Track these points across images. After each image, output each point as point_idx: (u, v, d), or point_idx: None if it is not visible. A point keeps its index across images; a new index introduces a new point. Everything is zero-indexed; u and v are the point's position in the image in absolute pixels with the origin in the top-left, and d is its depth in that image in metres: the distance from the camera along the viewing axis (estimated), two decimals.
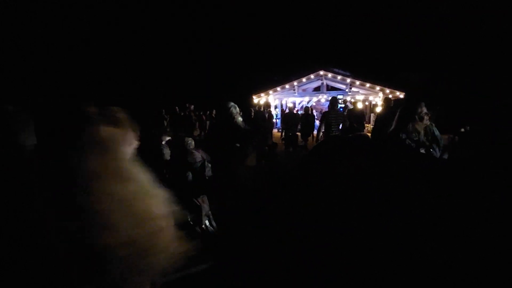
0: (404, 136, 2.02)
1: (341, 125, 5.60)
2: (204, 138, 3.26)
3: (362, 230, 2.10)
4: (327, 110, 6.41)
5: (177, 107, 10.78)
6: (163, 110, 9.53)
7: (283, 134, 9.01)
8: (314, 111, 11.92)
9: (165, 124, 9.30)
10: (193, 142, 3.02)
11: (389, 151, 2.10)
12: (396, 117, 2.12)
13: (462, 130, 8.15)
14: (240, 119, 2.68)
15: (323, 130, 5.49)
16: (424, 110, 2.03)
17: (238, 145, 2.64)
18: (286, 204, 3.13)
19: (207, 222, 1.98)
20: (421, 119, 2.03)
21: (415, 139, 2.02)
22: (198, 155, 3.13)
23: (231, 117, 2.54)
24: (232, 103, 2.54)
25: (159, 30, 34.63)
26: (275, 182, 4.52)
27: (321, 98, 13.44)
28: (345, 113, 6.90)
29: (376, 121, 5.56)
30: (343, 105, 10.25)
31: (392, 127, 2.15)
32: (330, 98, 6.15)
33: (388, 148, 2.14)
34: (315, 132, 7.48)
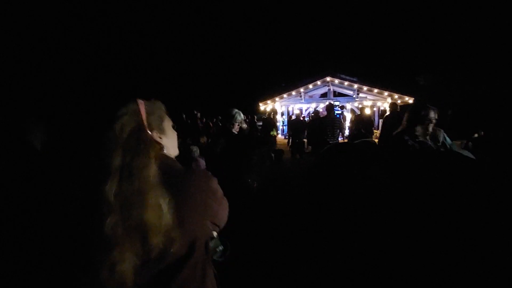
0: (407, 137, 2.02)
1: (343, 132, 5.56)
2: (209, 146, 3.23)
3: (376, 233, 2.04)
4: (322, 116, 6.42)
5: (184, 115, 10.87)
6: None
7: (290, 141, 8.95)
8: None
9: None
10: (198, 150, 3.00)
11: (392, 154, 2.08)
12: (404, 119, 2.13)
13: (476, 135, 7.92)
14: (245, 126, 2.65)
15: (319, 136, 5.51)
16: (431, 114, 2.01)
17: (244, 153, 2.60)
18: (296, 214, 3.07)
19: (214, 234, 1.91)
20: (428, 122, 2.02)
21: (417, 140, 2.02)
22: (203, 163, 3.10)
23: (236, 124, 2.51)
24: (236, 110, 2.51)
25: (165, 36, 35.41)
26: (284, 190, 4.44)
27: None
28: (352, 119, 6.84)
29: (382, 126, 5.53)
30: (339, 112, 10.34)
31: (398, 129, 2.16)
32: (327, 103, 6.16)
33: (391, 151, 2.12)
34: None
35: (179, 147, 0.97)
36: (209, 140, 10.44)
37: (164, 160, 0.77)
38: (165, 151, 0.84)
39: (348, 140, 5.94)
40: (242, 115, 2.55)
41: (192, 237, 0.73)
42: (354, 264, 2.05)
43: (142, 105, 0.80)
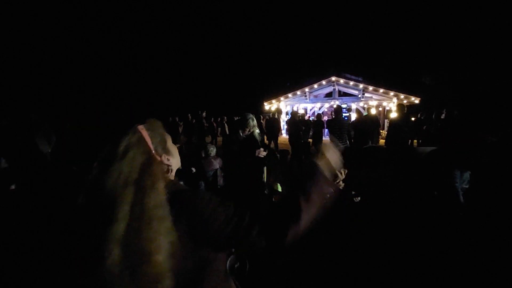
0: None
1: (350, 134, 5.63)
2: (223, 148, 3.29)
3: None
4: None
5: (189, 114, 10.98)
6: (177, 118, 9.69)
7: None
8: (325, 117, 11.85)
9: (180, 131, 9.46)
10: (215, 150, 3.06)
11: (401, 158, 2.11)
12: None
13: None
14: (257, 131, 2.70)
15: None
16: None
17: (251, 154, 2.65)
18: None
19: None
20: None
21: None
22: (216, 163, 3.16)
23: (247, 129, 2.59)
24: (250, 115, 2.59)
25: (171, 38, 35.50)
26: (289, 192, 4.47)
27: (333, 104, 13.36)
28: (357, 119, 6.90)
29: (389, 128, 5.48)
30: (347, 114, 10.33)
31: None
32: (335, 106, 6.23)
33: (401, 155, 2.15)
34: (324, 138, 7.50)
35: (184, 147, 0.96)
36: (214, 140, 10.55)
37: (170, 189, 0.69)
38: (172, 172, 0.79)
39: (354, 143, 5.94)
40: (255, 120, 2.62)
41: (200, 261, 0.69)
42: (355, 264, 2.06)
43: (144, 132, 0.70)
